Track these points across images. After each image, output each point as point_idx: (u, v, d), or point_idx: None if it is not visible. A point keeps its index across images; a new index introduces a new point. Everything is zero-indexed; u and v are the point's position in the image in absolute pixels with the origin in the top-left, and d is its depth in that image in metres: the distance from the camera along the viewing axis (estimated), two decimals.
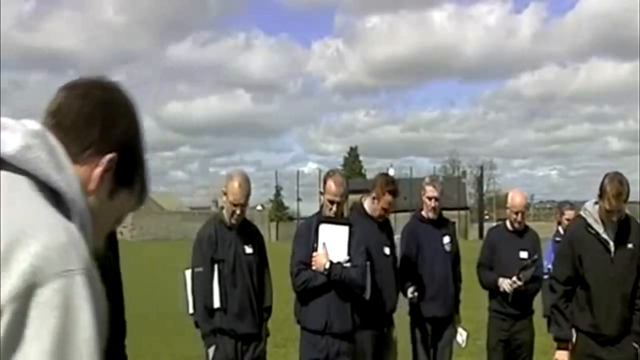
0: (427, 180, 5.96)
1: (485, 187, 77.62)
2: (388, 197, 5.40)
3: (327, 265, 4.87)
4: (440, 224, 5.96)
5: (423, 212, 5.89)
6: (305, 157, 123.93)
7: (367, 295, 5.23)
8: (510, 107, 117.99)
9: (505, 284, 5.84)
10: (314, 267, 4.91)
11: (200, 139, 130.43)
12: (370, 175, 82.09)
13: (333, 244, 4.97)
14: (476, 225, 58.17)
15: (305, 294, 4.93)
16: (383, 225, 5.58)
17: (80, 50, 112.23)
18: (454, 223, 6.30)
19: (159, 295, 16.36)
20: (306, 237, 5.01)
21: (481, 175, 75.23)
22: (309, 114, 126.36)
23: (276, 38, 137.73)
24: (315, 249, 4.93)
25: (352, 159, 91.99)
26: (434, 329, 5.80)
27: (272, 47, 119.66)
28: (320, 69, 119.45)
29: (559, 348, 4.77)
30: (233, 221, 4.95)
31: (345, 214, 5.23)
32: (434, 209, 5.85)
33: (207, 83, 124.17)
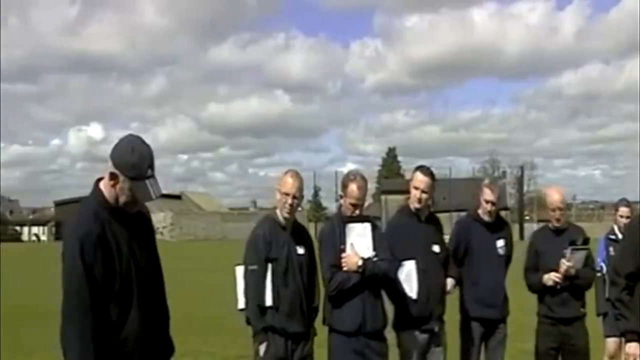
0: (486, 182, 5.85)
1: (525, 188, 76.68)
2: (418, 175, 5.32)
3: (360, 263, 4.85)
4: (496, 226, 5.80)
5: (479, 213, 5.78)
6: (344, 158, 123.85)
7: (414, 294, 5.19)
8: (552, 106, 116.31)
9: (551, 275, 5.67)
10: (345, 268, 4.89)
11: (240, 140, 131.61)
12: (408, 176, 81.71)
13: (359, 242, 4.95)
14: (516, 226, 57.53)
15: (340, 295, 4.91)
16: (431, 223, 5.50)
17: (122, 53, 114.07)
18: (509, 225, 6.10)
19: (199, 296, 16.51)
20: (332, 240, 5.00)
21: (521, 176, 74.47)
22: (347, 114, 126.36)
23: (315, 39, 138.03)
24: (343, 250, 4.91)
25: (391, 159, 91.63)
26: (484, 329, 5.69)
27: (311, 47, 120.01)
28: (359, 69, 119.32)
29: (628, 341, 4.58)
30: (285, 214, 4.95)
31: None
32: (489, 212, 5.72)
33: (246, 84, 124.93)
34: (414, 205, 5.35)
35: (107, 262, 3.09)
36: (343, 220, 5.00)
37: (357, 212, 4.99)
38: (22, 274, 24.44)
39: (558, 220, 5.83)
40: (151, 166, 3.17)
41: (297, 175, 4.98)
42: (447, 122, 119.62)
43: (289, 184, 4.91)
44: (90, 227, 3.10)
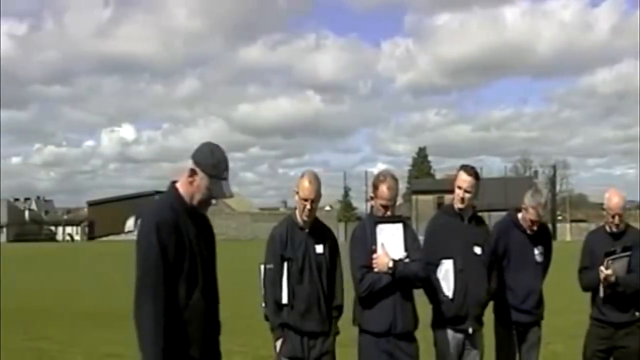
0: (531, 191, 5.71)
1: (558, 187, 75.78)
2: (462, 175, 5.26)
3: (391, 264, 4.85)
4: (536, 234, 5.63)
5: (519, 218, 5.63)
6: (374, 158, 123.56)
7: (451, 293, 5.17)
8: (585, 104, 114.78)
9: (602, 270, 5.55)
10: (376, 269, 4.89)
11: (270, 140, 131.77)
12: (439, 176, 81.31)
13: (390, 243, 4.93)
14: (549, 227, 56.78)
15: (370, 296, 4.92)
16: (475, 224, 5.41)
17: (154, 54, 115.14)
18: (550, 232, 5.96)
19: (230, 295, 16.59)
20: (362, 241, 4.99)
21: (554, 175, 73.65)
22: (378, 114, 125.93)
23: (346, 39, 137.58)
24: (374, 251, 4.92)
25: (421, 159, 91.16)
26: (517, 333, 5.57)
27: (342, 47, 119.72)
28: (390, 68, 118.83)
29: None
30: (304, 217, 4.98)
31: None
32: (532, 222, 5.56)
33: (277, 85, 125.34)
34: (457, 205, 5.30)
35: (178, 246, 3.37)
36: (374, 221, 5.00)
37: (389, 212, 4.99)
38: (62, 274, 24.78)
39: (617, 225, 5.63)
40: (227, 169, 3.53)
41: (314, 178, 4.97)
42: (479, 122, 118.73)
43: (307, 189, 4.90)
44: (166, 214, 3.42)
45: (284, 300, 4.90)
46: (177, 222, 3.39)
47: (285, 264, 4.93)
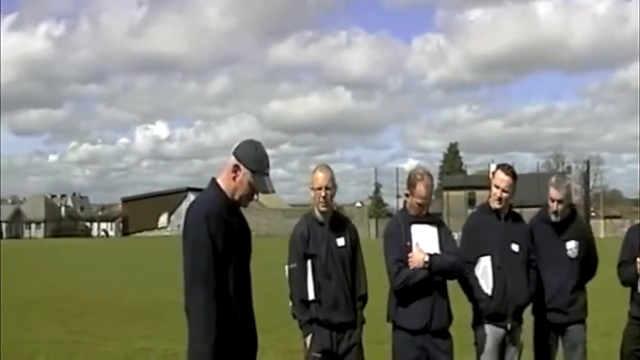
0: (552, 180, 5.64)
1: (591, 183, 74.78)
2: (500, 174, 5.21)
3: (426, 259, 4.81)
4: (566, 227, 5.51)
5: (548, 212, 5.51)
6: (405, 154, 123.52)
7: (489, 290, 5.13)
8: (619, 99, 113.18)
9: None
10: (411, 266, 4.87)
11: (301, 137, 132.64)
12: (470, 172, 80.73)
13: (425, 243, 4.90)
14: None
15: (406, 292, 4.90)
16: (513, 222, 5.35)
17: (186, 53, 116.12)
18: (584, 225, 5.82)
19: (262, 291, 16.65)
20: (397, 236, 4.97)
21: (587, 171, 72.68)
22: (409, 110, 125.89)
23: (376, 35, 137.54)
24: (409, 247, 4.89)
25: (452, 155, 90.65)
26: (553, 332, 5.45)
27: (373, 44, 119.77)
28: (420, 65, 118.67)
29: None
30: (321, 207, 5.00)
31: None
32: (555, 212, 5.46)
33: (308, 82, 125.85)
34: (494, 204, 5.26)
35: (227, 238, 3.41)
36: (409, 221, 4.97)
37: (424, 212, 4.98)
38: (99, 268, 25.08)
39: None
40: (269, 165, 3.59)
41: (326, 167, 5.06)
42: (510, 117, 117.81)
43: (320, 178, 4.98)
44: (213, 206, 3.46)
45: (311, 296, 4.92)
46: (221, 214, 3.43)
47: (309, 261, 4.95)
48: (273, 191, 3.60)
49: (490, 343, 5.15)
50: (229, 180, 3.52)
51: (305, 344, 4.96)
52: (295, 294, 4.99)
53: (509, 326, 5.15)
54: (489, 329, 5.16)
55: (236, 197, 3.53)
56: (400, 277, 4.83)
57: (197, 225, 3.38)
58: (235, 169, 3.50)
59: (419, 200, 4.90)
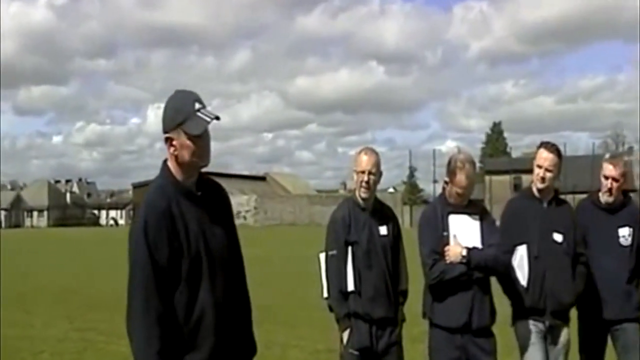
0: (606, 156, 5.58)
1: None
2: (542, 152, 5.17)
3: (464, 253, 4.82)
4: (619, 212, 5.44)
5: (600, 195, 5.49)
6: (444, 135, 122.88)
7: (525, 282, 5.12)
8: None
9: None
10: (448, 260, 4.87)
11: (329, 117, 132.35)
12: (516, 154, 79.99)
13: (464, 236, 4.90)
14: None
15: (443, 287, 4.90)
16: (557, 208, 5.30)
17: (204, 25, 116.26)
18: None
19: (286, 284, 16.77)
20: (434, 225, 4.98)
21: None
22: (448, 86, 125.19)
23: (413, 3, 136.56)
24: (446, 241, 4.89)
25: (496, 135, 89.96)
26: (605, 330, 5.41)
27: (409, 13, 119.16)
28: (462, 35, 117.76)
29: None
30: (362, 194, 5.07)
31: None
32: (610, 191, 5.37)
33: (337, 56, 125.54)
34: (536, 185, 5.23)
35: (172, 239, 3.14)
36: (448, 210, 4.97)
37: (464, 202, 4.97)
38: (107, 260, 25.34)
39: None
40: (198, 100, 3.20)
41: (371, 151, 5.14)
42: (563, 92, 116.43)
43: (364, 161, 5.05)
44: (154, 202, 3.18)
45: (350, 287, 4.97)
46: (168, 209, 3.16)
47: (350, 249, 5.00)
48: (214, 117, 3.18)
49: (532, 340, 5.11)
50: (172, 160, 3.23)
51: (341, 339, 5.01)
52: (333, 285, 5.04)
53: (546, 323, 5.11)
54: (526, 325, 5.13)
55: (194, 164, 3.22)
56: (434, 271, 4.84)
57: (136, 233, 3.13)
58: (167, 140, 3.20)
59: (459, 190, 4.90)
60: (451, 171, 4.93)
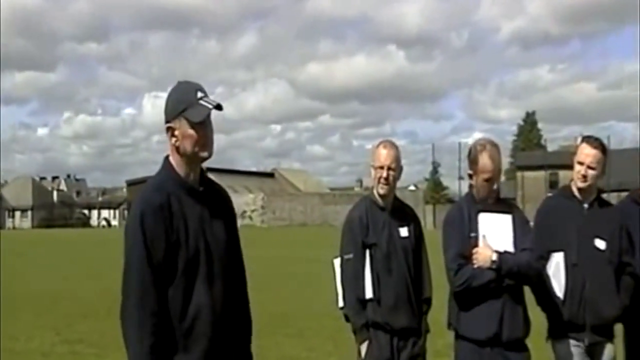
0: None
1: None
2: (585, 148, 5.10)
3: (495, 257, 4.78)
4: None
5: None
6: (470, 126, 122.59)
7: (562, 294, 5.07)
8: None
9: None
10: (476, 264, 4.84)
11: (344, 107, 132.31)
12: (552, 147, 79.75)
13: (495, 236, 4.86)
14: None
15: (470, 295, 4.87)
16: (600, 211, 5.23)
17: (206, 6, 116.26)
18: None
19: (296, 291, 16.78)
20: (460, 225, 4.94)
21: None
22: (476, 72, 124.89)
23: None
24: (474, 243, 4.85)
25: (529, 126, 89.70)
26: None
27: None
28: (491, 16, 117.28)
29: None
30: (380, 190, 5.09)
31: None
32: None
33: (352, 40, 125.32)
34: (577, 184, 5.19)
35: (170, 234, 3.29)
36: (476, 209, 4.93)
37: (492, 190, 4.92)
38: (98, 265, 25.43)
39: None
40: (200, 89, 3.39)
41: (391, 144, 5.17)
42: (606, 78, 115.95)
43: (382, 155, 5.09)
44: (152, 196, 3.34)
45: (368, 294, 4.98)
46: (167, 204, 3.31)
47: (368, 252, 5.02)
48: (215, 105, 3.34)
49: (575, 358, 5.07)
50: (173, 150, 3.40)
51: (359, 352, 5.02)
52: (350, 292, 5.06)
53: (586, 341, 5.04)
54: (565, 342, 5.09)
55: (197, 155, 3.36)
56: (460, 277, 4.80)
57: (132, 227, 3.29)
58: (169, 130, 3.37)
59: (485, 176, 4.84)
60: (472, 159, 4.91)
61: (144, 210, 3.28)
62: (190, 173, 3.41)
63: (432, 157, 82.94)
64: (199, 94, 3.35)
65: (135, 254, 3.26)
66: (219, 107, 3.35)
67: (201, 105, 3.33)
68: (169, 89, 3.46)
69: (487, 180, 4.87)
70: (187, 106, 3.33)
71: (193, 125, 3.32)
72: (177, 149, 3.37)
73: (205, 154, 3.39)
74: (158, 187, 3.38)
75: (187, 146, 3.35)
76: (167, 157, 3.45)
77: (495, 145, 4.95)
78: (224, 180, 63.36)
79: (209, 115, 3.36)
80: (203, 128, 3.35)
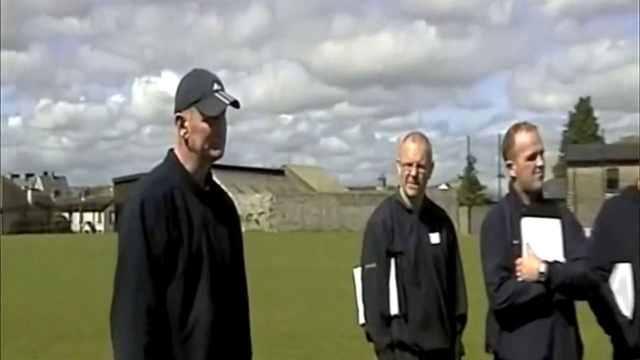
0: None
1: None
2: None
3: (543, 269, 4.77)
4: None
5: None
6: (511, 115, 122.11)
7: (629, 312, 5.02)
8: None
9: None
10: (521, 277, 4.83)
11: (364, 93, 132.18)
12: (610, 139, 79.28)
13: (542, 246, 4.84)
14: None
15: (513, 313, 4.85)
16: None
17: None
18: None
19: (309, 305, 16.79)
20: (501, 232, 4.90)
21: None
22: (519, 52, 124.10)
23: None
24: (518, 253, 4.81)
25: (583, 115, 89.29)
26: None
27: None
28: None
29: None
30: (409, 190, 5.11)
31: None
32: None
33: (375, 15, 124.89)
34: None
35: (171, 228, 3.41)
36: (521, 212, 4.91)
37: (543, 168, 4.83)
38: (79, 277, 25.53)
39: None
40: (217, 81, 3.55)
41: (421, 137, 5.20)
42: None
43: (411, 150, 5.10)
44: (154, 187, 3.48)
45: (394, 310, 5.01)
46: (170, 196, 3.44)
47: (393, 261, 5.04)
48: (231, 101, 3.49)
49: None
50: (181, 142, 3.55)
51: None
52: (372, 306, 5.08)
53: None
54: None
55: (205, 153, 3.50)
56: (503, 293, 4.78)
57: (129, 218, 3.40)
58: (178, 120, 3.53)
59: (527, 152, 4.78)
60: (507, 142, 4.89)
61: (145, 199, 3.40)
62: (198, 170, 3.55)
63: (466, 151, 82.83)
64: (216, 86, 3.50)
65: (132, 243, 3.36)
66: (235, 103, 3.49)
67: (217, 98, 3.48)
68: (182, 77, 3.60)
69: (531, 157, 4.80)
70: (201, 97, 3.48)
71: (206, 119, 3.47)
72: (186, 142, 3.51)
73: (216, 153, 3.54)
74: (160, 180, 3.50)
75: (197, 141, 3.49)
76: (172, 150, 3.60)
77: (534, 126, 4.93)
78: (226, 177, 63.47)
79: (224, 112, 3.50)
80: (216, 124, 3.50)
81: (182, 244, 3.41)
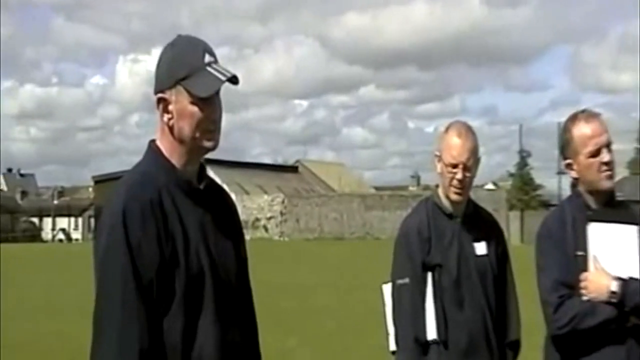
0: None
1: None
2: None
3: (614, 287, 4.70)
4: None
5: None
6: (575, 99, 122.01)
7: None
8: None
9: None
10: (587, 296, 4.80)
11: (393, 74, 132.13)
12: None
13: (612, 257, 4.77)
14: None
15: (578, 339, 4.80)
16: None
17: None
18: None
19: (331, 331, 16.86)
20: (561, 241, 4.85)
21: None
22: (585, 21, 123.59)
23: None
24: (582, 267, 4.76)
25: None
26: None
27: None
28: None
29: None
30: (454, 196, 5.10)
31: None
32: None
33: None
34: None
35: (164, 242, 3.21)
36: (584, 214, 4.88)
37: (613, 161, 4.78)
38: (52, 296, 25.67)
39: None
40: (209, 51, 3.36)
41: (467, 130, 5.14)
42: None
43: (456, 147, 5.06)
44: (138, 190, 3.26)
45: (431, 335, 5.00)
46: (158, 201, 3.25)
47: (430, 276, 5.03)
48: (230, 76, 3.31)
49: None
50: (164, 131, 3.36)
51: None
52: (405, 330, 5.07)
53: None
54: None
55: (187, 148, 3.34)
56: (563, 315, 4.75)
57: (109, 231, 3.18)
58: (161, 102, 3.34)
59: (590, 147, 4.72)
60: (566, 138, 4.84)
61: (128, 206, 3.18)
62: (187, 165, 3.37)
63: (518, 143, 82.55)
64: (207, 58, 3.32)
65: (114, 265, 3.14)
66: (234, 79, 3.31)
67: (209, 73, 3.29)
68: (164, 47, 3.41)
69: (594, 153, 4.73)
70: (190, 72, 3.28)
71: (196, 101, 3.28)
72: (171, 130, 3.33)
73: (209, 145, 3.36)
74: (144, 180, 3.30)
75: (185, 128, 3.30)
76: (153, 141, 3.42)
77: (596, 113, 4.87)
78: (229, 175, 63.71)
79: (218, 91, 3.32)
80: (210, 106, 3.31)
81: (179, 263, 3.22)
